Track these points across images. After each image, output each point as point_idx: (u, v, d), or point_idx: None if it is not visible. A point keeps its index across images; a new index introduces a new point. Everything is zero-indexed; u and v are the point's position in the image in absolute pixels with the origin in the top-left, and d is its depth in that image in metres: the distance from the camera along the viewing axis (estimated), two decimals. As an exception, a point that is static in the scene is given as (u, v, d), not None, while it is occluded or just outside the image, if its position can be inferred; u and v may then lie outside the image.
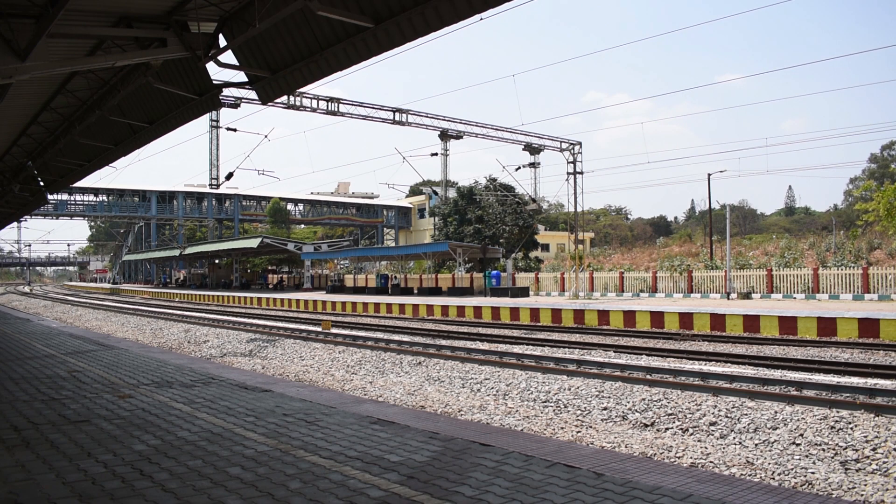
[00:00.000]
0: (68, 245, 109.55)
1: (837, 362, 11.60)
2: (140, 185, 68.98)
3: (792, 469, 6.49)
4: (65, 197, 62.11)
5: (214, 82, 9.92)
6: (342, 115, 33.59)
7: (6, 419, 5.78)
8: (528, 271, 38.99)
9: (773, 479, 6.30)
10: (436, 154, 49.37)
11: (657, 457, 7.03)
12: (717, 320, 18.10)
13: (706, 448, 7.27)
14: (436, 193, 59.74)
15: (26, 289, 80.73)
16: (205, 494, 3.73)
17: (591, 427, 8.34)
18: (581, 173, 32.68)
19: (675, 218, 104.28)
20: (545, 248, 57.00)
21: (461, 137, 43.18)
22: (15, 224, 72.44)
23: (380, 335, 17.08)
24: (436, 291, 36.05)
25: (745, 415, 8.07)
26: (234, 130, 35.66)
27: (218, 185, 59.92)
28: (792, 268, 26.98)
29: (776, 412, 7.99)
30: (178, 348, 18.14)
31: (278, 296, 39.70)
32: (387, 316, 27.64)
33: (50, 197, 23.31)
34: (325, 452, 4.66)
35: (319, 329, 18.78)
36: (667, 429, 8.10)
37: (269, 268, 63.42)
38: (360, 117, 35.05)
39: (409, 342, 15.59)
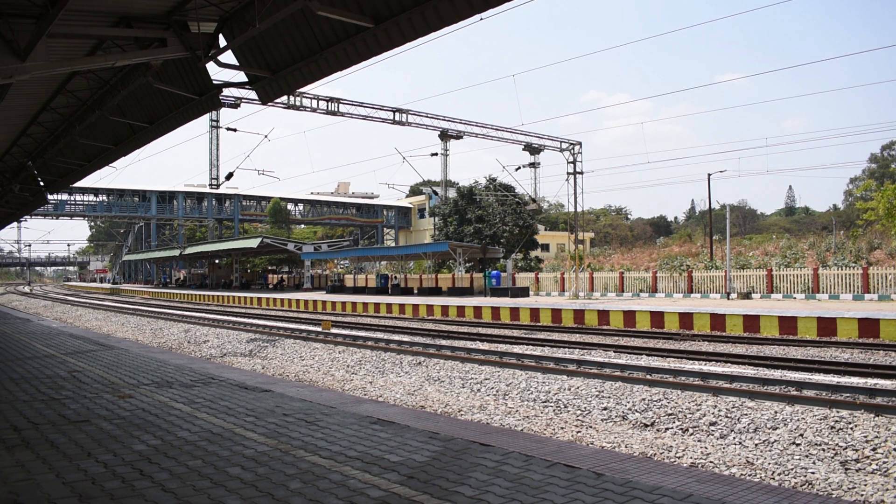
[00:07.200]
0: (68, 245, 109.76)
1: (837, 362, 11.60)
2: (140, 185, 69.03)
3: (792, 469, 6.49)
4: (65, 197, 62.12)
5: (214, 82, 9.92)
6: (342, 115, 33.58)
7: (6, 419, 5.78)
8: (528, 271, 38.97)
9: (773, 479, 6.30)
10: (436, 154, 49.39)
11: (657, 457, 7.03)
12: (717, 320, 18.10)
13: (706, 448, 7.27)
14: (436, 193, 59.71)
15: (26, 289, 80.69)
16: (205, 494, 3.73)
17: (591, 427, 8.34)
18: (581, 173, 32.69)
19: (675, 218, 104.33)
20: (545, 248, 57.01)
21: (461, 137, 43.14)
22: (15, 224, 72.40)
23: (380, 335, 17.07)
24: (436, 291, 36.03)
25: (745, 415, 8.07)
26: (234, 130, 35.70)
27: (218, 185, 59.99)
28: (792, 268, 26.98)
29: (776, 412, 7.99)
30: (178, 348, 18.14)
31: (278, 296, 39.70)
32: (387, 316, 27.64)
33: (50, 197, 23.28)
34: (325, 452, 4.66)
35: (319, 329, 18.77)
36: (667, 429, 8.10)
37: (269, 268, 63.41)
38: (360, 117, 35.03)
39: (409, 342, 15.58)
